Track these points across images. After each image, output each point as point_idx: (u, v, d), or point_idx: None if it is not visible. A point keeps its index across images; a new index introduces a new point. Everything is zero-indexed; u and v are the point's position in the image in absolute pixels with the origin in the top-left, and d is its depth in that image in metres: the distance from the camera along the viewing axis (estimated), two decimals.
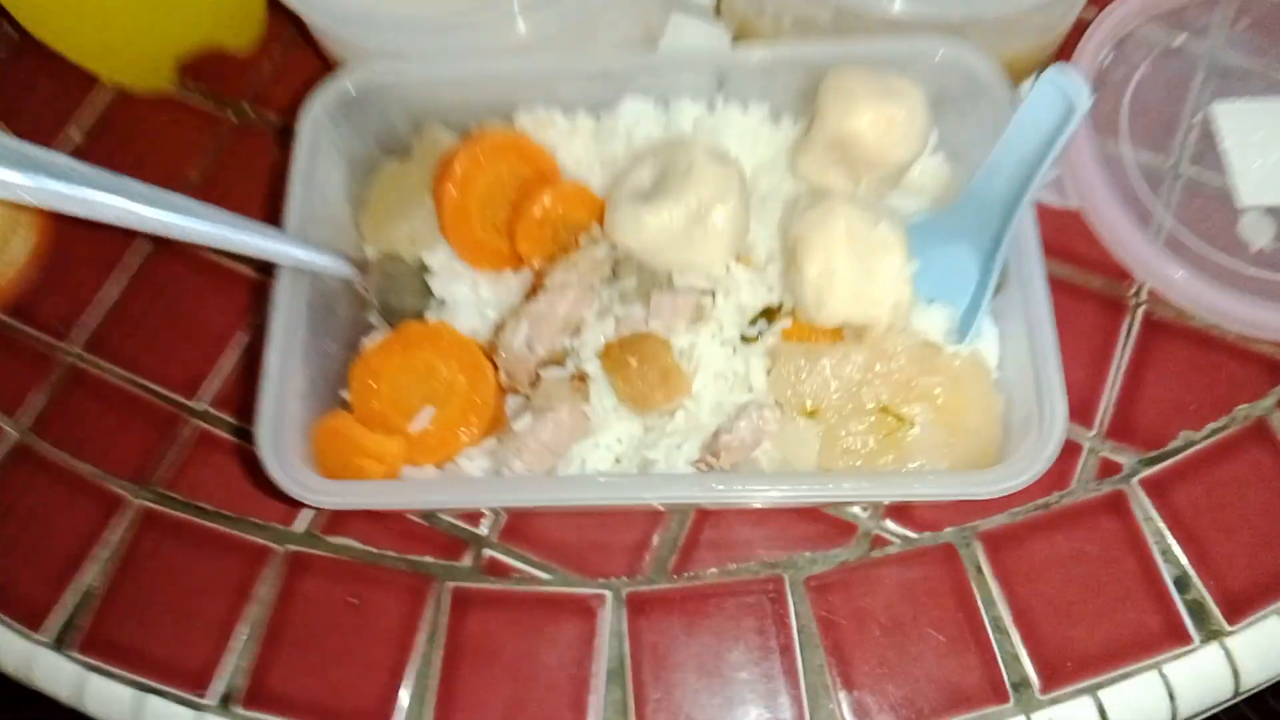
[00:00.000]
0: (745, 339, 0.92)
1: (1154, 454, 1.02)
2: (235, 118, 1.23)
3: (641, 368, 0.90)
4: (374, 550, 1.02)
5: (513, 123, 1.05)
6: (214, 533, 1.03)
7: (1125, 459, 1.02)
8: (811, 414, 0.89)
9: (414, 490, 0.85)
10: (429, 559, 1.01)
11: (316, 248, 0.93)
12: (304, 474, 0.85)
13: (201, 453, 1.07)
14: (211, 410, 1.09)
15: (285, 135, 1.21)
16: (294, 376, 0.89)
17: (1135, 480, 1.01)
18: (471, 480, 0.89)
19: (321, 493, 0.84)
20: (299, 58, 1.24)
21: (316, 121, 0.98)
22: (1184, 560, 0.97)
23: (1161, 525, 0.99)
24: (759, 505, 0.99)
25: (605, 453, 0.92)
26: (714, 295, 0.95)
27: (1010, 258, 0.90)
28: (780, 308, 0.93)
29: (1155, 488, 1.00)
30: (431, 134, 1.05)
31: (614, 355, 0.91)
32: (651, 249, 0.94)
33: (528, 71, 1.01)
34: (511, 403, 0.96)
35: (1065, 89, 0.79)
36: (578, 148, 1.04)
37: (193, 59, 1.24)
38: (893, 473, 0.85)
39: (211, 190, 1.18)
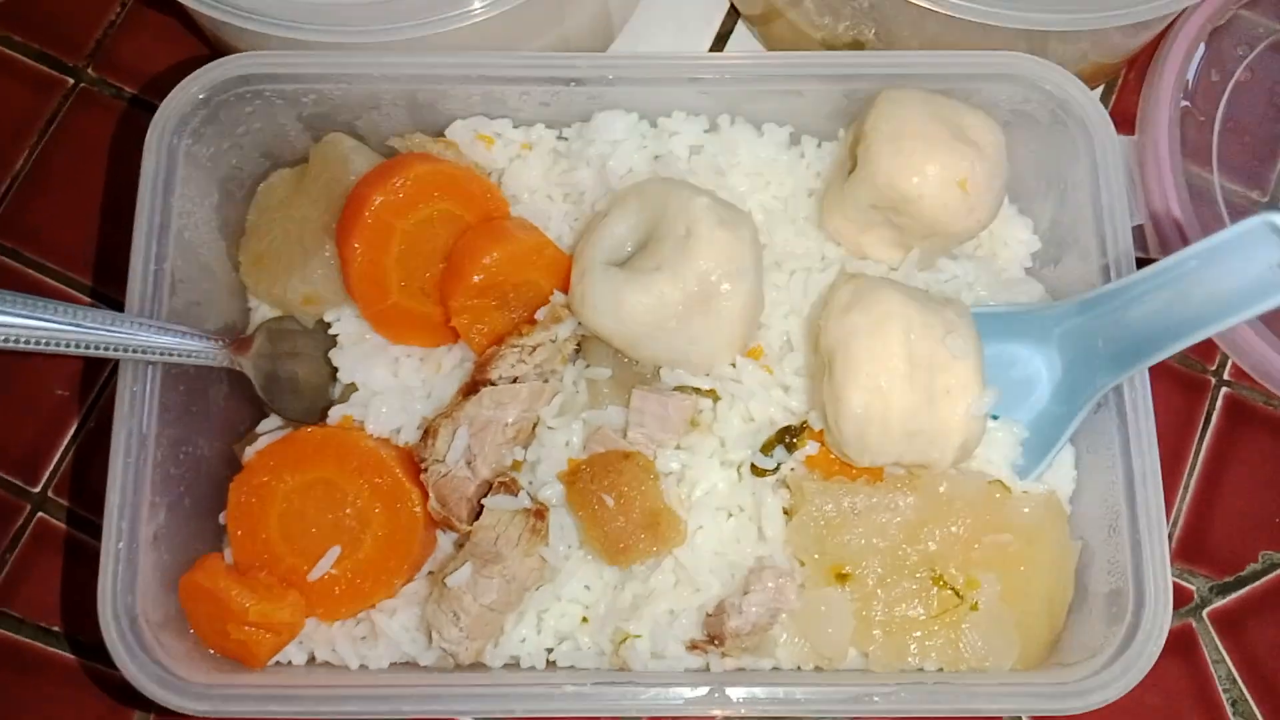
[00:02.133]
0: (758, 471, 0.70)
1: (1228, 580, 0.84)
2: (72, 81, 0.92)
3: (619, 508, 0.68)
4: None
5: (443, 134, 0.78)
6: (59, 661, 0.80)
7: (1195, 584, 0.84)
8: (843, 578, 0.68)
9: (312, 699, 0.62)
10: None
11: (174, 330, 0.67)
12: (164, 660, 0.63)
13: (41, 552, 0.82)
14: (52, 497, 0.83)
15: (138, 108, 0.91)
16: (146, 518, 0.65)
17: (1205, 613, 0.84)
18: (388, 680, 0.67)
19: (188, 694, 0.62)
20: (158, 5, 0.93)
21: (169, 145, 0.70)
22: (1259, 716, 0.81)
23: (1233, 669, 0.82)
24: None
25: (569, 608, 0.70)
26: (715, 400, 0.72)
27: None
28: (804, 427, 0.71)
29: (1227, 622, 0.83)
30: (335, 146, 0.77)
31: (582, 487, 0.68)
32: (634, 337, 0.70)
33: (466, 69, 0.74)
34: (445, 538, 0.73)
35: None
36: (533, 173, 0.78)
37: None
38: (953, 680, 0.64)
39: (35, 184, 0.89)
